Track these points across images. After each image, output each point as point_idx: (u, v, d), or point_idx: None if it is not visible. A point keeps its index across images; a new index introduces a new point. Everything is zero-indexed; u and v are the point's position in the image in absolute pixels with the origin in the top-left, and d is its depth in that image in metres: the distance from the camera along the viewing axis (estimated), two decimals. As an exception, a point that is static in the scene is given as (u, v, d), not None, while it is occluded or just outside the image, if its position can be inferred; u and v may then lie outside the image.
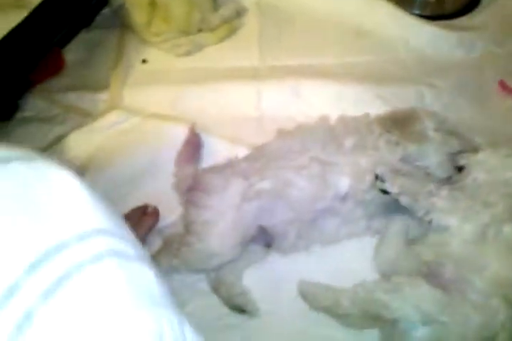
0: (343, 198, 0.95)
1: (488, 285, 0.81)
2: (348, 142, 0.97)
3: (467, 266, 0.84)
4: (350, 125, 1.02)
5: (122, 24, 1.41)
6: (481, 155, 0.95)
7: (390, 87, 1.26)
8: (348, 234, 0.98)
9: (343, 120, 1.04)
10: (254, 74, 1.29)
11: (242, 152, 1.05)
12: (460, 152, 1.00)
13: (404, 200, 0.90)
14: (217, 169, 0.99)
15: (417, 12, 1.49)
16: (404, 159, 0.97)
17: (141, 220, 0.96)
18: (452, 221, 0.87)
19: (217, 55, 1.36)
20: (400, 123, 1.00)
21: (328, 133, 1.00)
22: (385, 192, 0.92)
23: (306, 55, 1.35)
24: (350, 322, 0.88)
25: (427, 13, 1.50)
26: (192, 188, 0.97)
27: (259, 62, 1.33)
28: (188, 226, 0.94)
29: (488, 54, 1.38)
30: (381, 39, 1.40)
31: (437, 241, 0.89)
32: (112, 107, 1.22)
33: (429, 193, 0.89)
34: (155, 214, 1.00)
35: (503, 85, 1.31)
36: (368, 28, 1.42)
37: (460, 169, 0.97)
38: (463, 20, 1.48)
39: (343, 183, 0.94)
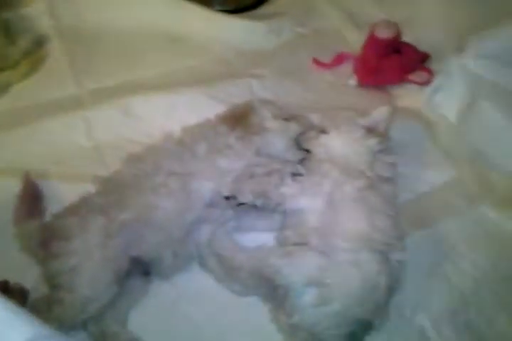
0: (210, 204, 0.93)
1: (351, 243, 0.86)
2: (200, 148, 0.96)
3: (328, 233, 0.88)
4: (196, 132, 1.01)
5: None
6: (322, 137, 1.01)
7: (220, 86, 1.26)
8: None
9: (187, 130, 1.02)
10: (76, 103, 1.21)
11: (87, 188, 0.96)
12: (303, 134, 1.04)
13: (259, 203, 0.95)
14: (70, 211, 0.91)
15: (219, 8, 1.51)
16: (257, 152, 0.98)
17: None
18: (302, 202, 0.93)
19: (30, 91, 1.25)
20: (239, 119, 1.01)
21: (177, 147, 0.98)
22: (241, 204, 0.95)
23: (126, 72, 1.30)
24: (241, 284, 0.91)
25: (228, 7, 1.53)
26: (46, 241, 0.87)
27: (77, 89, 1.25)
28: (52, 281, 0.85)
29: (297, 35, 1.46)
30: (197, 41, 1.40)
31: (296, 222, 0.93)
32: None
33: (276, 186, 0.94)
34: (19, 290, 0.89)
35: (316, 62, 1.39)
36: (180, 33, 1.40)
37: (307, 151, 1.01)
38: (265, 9, 1.54)
39: (206, 188, 0.92)
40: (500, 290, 0.97)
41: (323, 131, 1.03)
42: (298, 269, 0.83)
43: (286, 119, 1.05)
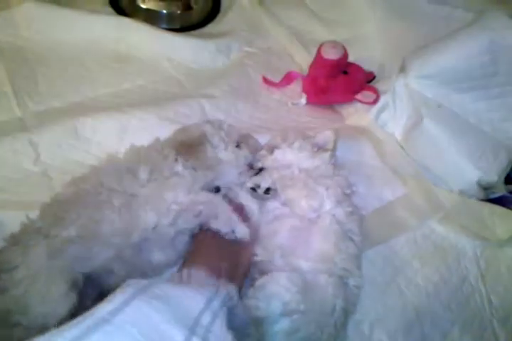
0: (155, 229, 0.90)
1: (312, 263, 0.88)
2: (143, 173, 0.93)
3: (292, 251, 0.90)
4: (142, 154, 0.98)
5: None
6: (276, 152, 1.04)
7: (171, 106, 1.24)
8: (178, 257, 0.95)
9: (132, 150, 1.00)
10: (20, 126, 1.15)
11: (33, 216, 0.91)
12: (255, 156, 1.07)
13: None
14: (12, 241, 0.86)
15: (165, 26, 1.50)
16: (206, 184, 0.98)
17: None
18: (296, 196, 0.95)
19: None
20: (190, 149, 0.99)
21: (120, 168, 0.94)
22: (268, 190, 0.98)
23: (73, 93, 1.25)
24: None
25: (175, 25, 1.53)
26: None
27: (21, 112, 1.19)
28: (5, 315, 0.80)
29: (245, 55, 1.47)
30: (145, 60, 1.38)
31: (267, 235, 0.95)
32: None
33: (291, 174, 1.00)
34: None
35: (266, 81, 1.41)
36: (128, 52, 1.38)
37: (261, 169, 1.04)
38: (212, 28, 1.55)
39: (151, 218, 0.89)
40: (451, 304, 1.02)
41: (275, 148, 1.05)
42: (274, 301, 0.83)
43: (238, 146, 1.05)
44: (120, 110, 1.20)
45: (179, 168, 0.95)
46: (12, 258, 0.82)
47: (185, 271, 0.83)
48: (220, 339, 0.64)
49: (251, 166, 1.06)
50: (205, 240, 0.93)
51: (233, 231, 0.92)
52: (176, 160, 0.96)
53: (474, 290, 1.05)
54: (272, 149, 1.05)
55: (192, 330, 0.60)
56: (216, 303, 0.69)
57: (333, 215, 0.94)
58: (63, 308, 0.80)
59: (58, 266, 0.81)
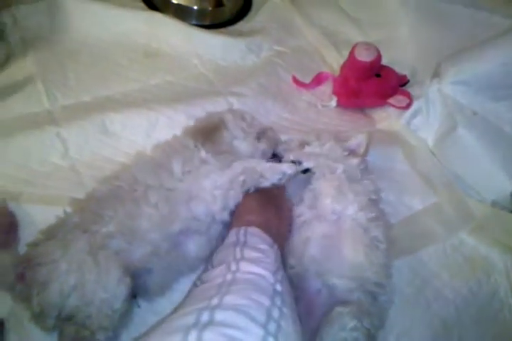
0: (197, 217, 0.90)
1: (345, 280, 0.85)
2: (176, 166, 0.92)
3: (325, 264, 0.87)
4: (168, 148, 0.98)
5: None
6: (306, 149, 1.03)
7: (199, 104, 1.22)
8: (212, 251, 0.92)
9: (159, 146, 0.99)
10: (50, 119, 1.14)
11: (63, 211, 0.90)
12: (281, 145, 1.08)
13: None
14: (47, 235, 0.85)
15: (196, 22, 1.49)
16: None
17: None
18: (327, 192, 0.94)
19: (0, 106, 1.16)
20: (206, 135, 0.98)
21: (152, 164, 0.94)
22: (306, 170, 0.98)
23: (102, 87, 1.24)
24: None
25: (206, 22, 1.51)
26: (23, 273, 0.81)
27: (50, 105, 1.18)
28: (50, 311, 0.79)
29: (275, 54, 1.45)
30: (174, 57, 1.36)
31: (298, 245, 0.92)
32: None
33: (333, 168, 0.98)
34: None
35: (296, 81, 1.38)
36: (157, 48, 1.37)
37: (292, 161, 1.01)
38: (242, 26, 1.53)
39: (199, 209, 0.89)
40: (480, 318, 0.99)
41: (306, 144, 1.03)
42: None
43: (258, 138, 1.04)
44: (148, 107, 1.18)
45: (203, 154, 0.95)
46: (51, 252, 0.81)
47: (241, 230, 0.83)
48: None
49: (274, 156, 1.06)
50: (252, 195, 0.93)
51: (284, 174, 0.94)
52: (196, 146, 0.96)
53: (504, 305, 1.02)
54: (303, 145, 1.03)
55: (266, 329, 0.60)
56: (279, 274, 0.73)
57: (354, 219, 0.91)
58: (123, 292, 0.80)
59: (104, 257, 0.82)
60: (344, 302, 0.82)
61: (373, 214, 0.93)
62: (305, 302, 0.86)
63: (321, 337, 0.79)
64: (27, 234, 0.91)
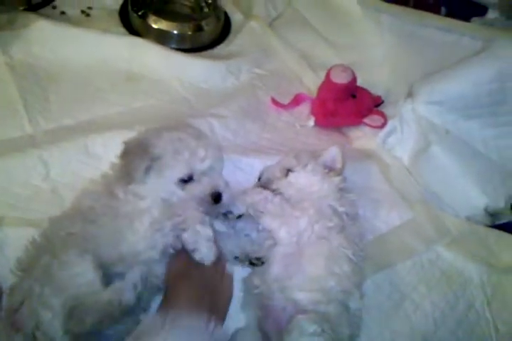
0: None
1: (308, 293, 0.88)
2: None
3: (287, 281, 0.90)
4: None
5: None
6: (291, 177, 1.04)
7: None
8: None
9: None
10: (32, 143, 1.15)
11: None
12: (267, 174, 1.09)
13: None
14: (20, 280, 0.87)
15: (175, 46, 1.52)
16: None
17: None
18: (274, 225, 0.96)
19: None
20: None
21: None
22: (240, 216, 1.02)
23: (84, 111, 1.26)
24: None
25: (186, 46, 1.54)
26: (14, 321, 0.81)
27: (31, 129, 1.19)
28: None
29: (255, 76, 1.49)
30: (155, 80, 1.39)
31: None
32: None
33: (266, 199, 1.00)
34: None
35: (275, 102, 1.42)
36: (139, 71, 1.39)
37: (276, 192, 1.04)
38: (222, 49, 1.57)
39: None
40: (458, 331, 1.02)
41: (289, 170, 1.05)
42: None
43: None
44: (131, 128, 1.19)
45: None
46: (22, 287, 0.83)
47: (168, 316, 0.81)
48: None
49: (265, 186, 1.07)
50: (180, 271, 0.92)
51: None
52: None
53: (480, 317, 1.05)
54: (285, 171, 1.06)
55: None
56: None
57: (312, 233, 0.94)
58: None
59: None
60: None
61: (331, 224, 0.95)
62: (272, 320, 0.88)
63: None
64: (8, 259, 0.93)
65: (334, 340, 0.81)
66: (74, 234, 0.89)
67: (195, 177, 0.98)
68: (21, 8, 1.49)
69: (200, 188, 0.97)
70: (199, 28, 1.56)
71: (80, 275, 0.81)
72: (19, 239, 0.94)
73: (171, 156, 0.95)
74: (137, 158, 0.94)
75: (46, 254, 0.85)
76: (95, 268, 0.83)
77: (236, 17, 1.67)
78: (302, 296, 0.88)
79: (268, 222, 0.98)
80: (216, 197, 0.98)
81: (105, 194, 0.95)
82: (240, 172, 1.15)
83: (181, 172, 0.96)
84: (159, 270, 0.92)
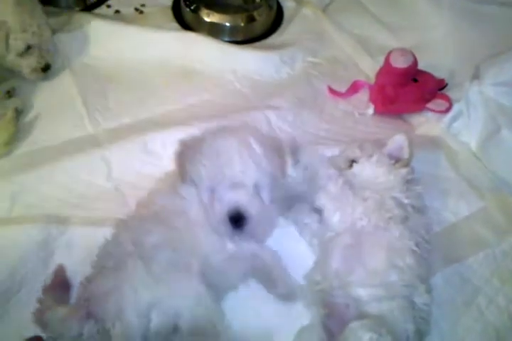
0: None
1: (370, 289, 0.85)
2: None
3: (347, 276, 0.87)
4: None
5: None
6: (355, 168, 1.01)
7: (238, 118, 1.24)
8: None
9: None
10: (93, 143, 1.18)
11: (110, 232, 0.93)
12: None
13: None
14: (100, 274, 0.87)
15: (228, 38, 1.51)
16: None
17: None
18: (329, 207, 0.95)
19: (45, 132, 1.21)
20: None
21: None
22: None
23: (141, 109, 1.28)
24: None
25: (239, 38, 1.53)
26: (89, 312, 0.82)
27: (93, 129, 1.23)
28: None
29: (309, 65, 1.46)
30: (210, 73, 1.39)
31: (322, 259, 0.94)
32: None
33: (329, 177, 0.98)
34: None
35: (332, 91, 1.38)
36: (193, 66, 1.40)
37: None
38: (275, 39, 1.54)
39: None
40: (536, 325, 0.96)
41: (353, 161, 1.03)
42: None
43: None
44: (188, 124, 1.21)
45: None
46: (106, 283, 0.84)
47: None
48: None
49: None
50: None
51: None
52: None
53: (559, 310, 0.98)
54: (349, 162, 1.03)
55: None
56: None
57: (369, 222, 0.91)
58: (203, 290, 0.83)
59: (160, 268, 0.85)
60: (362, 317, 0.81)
61: (390, 214, 0.91)
62: (336, 319, 0.86)
63: None
64: (75, 257, 0.96)
65: (397, 339, 0.78)
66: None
67: (216, 192, 0.90)
68: (77, 8, 1.53)
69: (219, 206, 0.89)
70: (251, 19, 1.54)
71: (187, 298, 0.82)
72: (86, 238, 0.98)
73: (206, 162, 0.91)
74: (186, 160, 0.94)
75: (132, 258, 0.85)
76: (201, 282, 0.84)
77: (288, 4, 1.64)
78: (363, 292, 0.85)
79: (323, 201, 0.96)
80: (235, 217, 0.87)
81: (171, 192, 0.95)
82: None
83: (208, 180, 0.91)
84: None
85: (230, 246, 0.90)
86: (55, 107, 1.27)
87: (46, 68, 1.28)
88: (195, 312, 0.81)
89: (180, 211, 0.92)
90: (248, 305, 0.94)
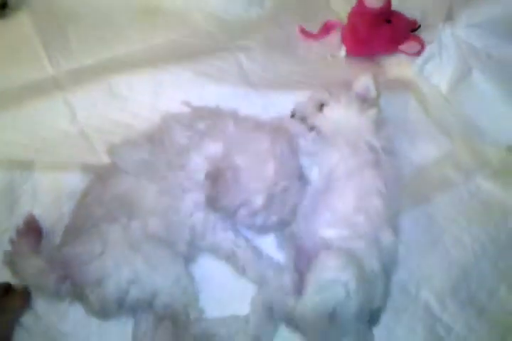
0: None
1: (335, 229, 0.87)
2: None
3: (312, 216, 0.90)
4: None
5: None
6: (325, 111, 0.99)
7: (206, 60, 1.19)
8: None
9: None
10: (55, 85, 1.13)
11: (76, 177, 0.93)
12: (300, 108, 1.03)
13: None
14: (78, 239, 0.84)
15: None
16: None
17: (2, 302, 0.82)
18: (304, 164, 0.94)
19: (3, 73, 1.15)
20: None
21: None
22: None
23: (104, 49, 1.22)
24: None
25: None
26: (66, 274, 0.82)
27: (54, 70, 1.16)
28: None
29: (279, 3, 1.40)
30: (175, 13, 1.32)
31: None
32: None
33: (299, 134, 0.97)
34: (24, 295, 0.85)
35: (303, 32, 1.34)
36: (157, 4, 1.32)
37: (312, 128, 0.99)
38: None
39: None
40: (499, 262, 0.99)
41: (323, 104, 1.01)
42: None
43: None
44: (154, 65, 1.16)
45: None
46: (90, 250, 0.83)
47: None
48: None
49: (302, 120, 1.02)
50: None
51: None
52: None
53: (523, 247, 1.03)
54: (319, 106, 1.01)
55: None
56: None
57: (345, 169, 0.91)
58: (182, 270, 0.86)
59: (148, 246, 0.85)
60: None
61: (364, 159, 0.92)
62: (304, 260, 0.87)
63: (306, 282, 0.80)
64: (42, 203, 0.94)
65: (363, 275, 0.80)
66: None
67: None
68: None
69: None
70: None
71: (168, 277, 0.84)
72: (52, 184, 0.95)
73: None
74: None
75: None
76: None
77: None
78: (330, 232, 0.87)
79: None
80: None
81: None
82: (272, 108, 1.11)
83: None
84: None
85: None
86: (12, 48, 1.20)
87: (3, 6, 1.20)
88: (172, 292, 0.84)
89: None
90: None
